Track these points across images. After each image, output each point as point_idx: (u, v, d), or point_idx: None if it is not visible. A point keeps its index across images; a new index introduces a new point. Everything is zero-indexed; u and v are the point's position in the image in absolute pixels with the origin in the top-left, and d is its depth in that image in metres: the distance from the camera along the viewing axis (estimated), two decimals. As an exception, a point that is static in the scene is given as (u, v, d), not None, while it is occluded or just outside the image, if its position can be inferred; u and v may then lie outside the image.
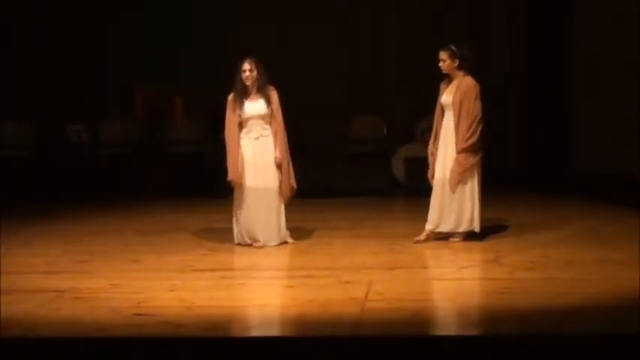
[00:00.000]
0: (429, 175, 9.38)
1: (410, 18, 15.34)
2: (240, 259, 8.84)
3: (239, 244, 9.33)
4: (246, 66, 9.29)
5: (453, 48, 9.21)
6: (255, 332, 6.26)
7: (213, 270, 8.28)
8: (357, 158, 14.29)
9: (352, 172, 14.00)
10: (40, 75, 14.94)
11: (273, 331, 6.51)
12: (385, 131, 14.54)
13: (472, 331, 6.39)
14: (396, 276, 7.92)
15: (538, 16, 14.62)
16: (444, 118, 9.31)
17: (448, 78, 9.32)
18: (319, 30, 15.03)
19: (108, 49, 15.16)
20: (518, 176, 14.13)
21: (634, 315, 6.22)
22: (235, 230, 9.38)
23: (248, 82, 9.29)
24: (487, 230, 9.61)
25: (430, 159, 9.38)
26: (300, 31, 14.69)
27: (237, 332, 6.23)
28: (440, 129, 9.34)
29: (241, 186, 9.23)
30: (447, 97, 9.26)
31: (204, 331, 6.23)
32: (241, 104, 9.26)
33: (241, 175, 9.21)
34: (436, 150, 9.33)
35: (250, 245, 9.26)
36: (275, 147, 9.29)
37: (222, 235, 10.02)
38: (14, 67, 14.90)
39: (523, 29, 14.97)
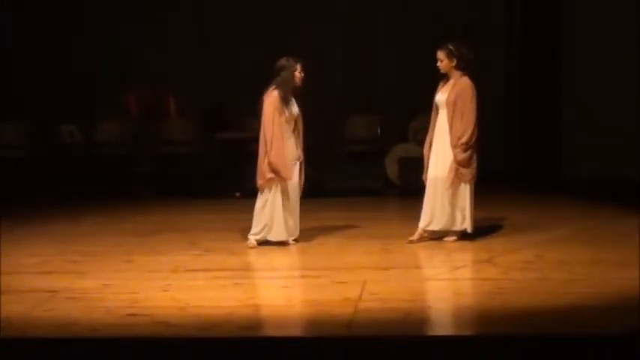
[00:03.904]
0: (425, 177, 9.37)
1: (405, 17, 15.32)
2: (234, 259, 8.82)
3: (260, 243, 9.34)
4: (301, 68, 9.29)
5: (451, 47, 9.19)
6: (249, 332, 6.21)
7: (207, 270, 8.27)
8: (351, 158, 14.28)
9: (346, 171, 13.98)
10: (33, 75, 14.92)
11: (267, 332, 6.50)
12: (379, 131, 14.53)
13: (466, 332, 6.40)
14: (390, 276, 7.93)
15: (536, 17, 14.60)
16: (438, 117, 9.30)
17: (446, 77, 9.31)
18: (313, 29, 15.02)
19: (102, 49, 15.11)
20: (514, 176, 14.12)
21: (628, 316, 6.22)
22: (269, 229, 9.32)
23: (300, 83, 9.32)
24: (481, 230, 9.60)
25: (425, 162, 9.37)
26: (295, 31, 14.68)
27: (231, 332, 6.18)
28: (434, 130, 9.34)
29: (287, 183, 9.26)
30: (441, 95, 9.25)
31: (198, 331, 6.24)
32: (288, 104, 9.27)
33: (291, 173, 9.26)
34: (430, 152, 9.33)
35: (282, 243, 9.30)
36: (297, 146, 9.38)
37: (216, 235, 10.07)
38: (6, 66, 14.84)
39: (521, 29, 14.94)
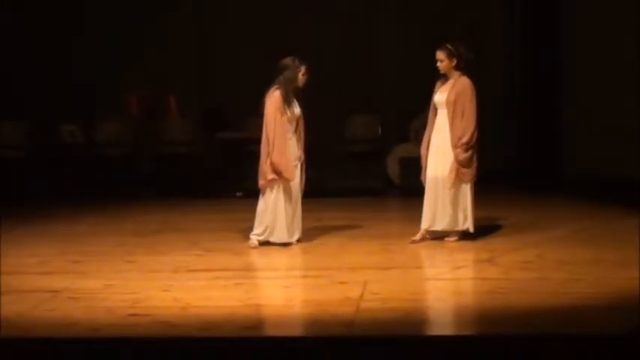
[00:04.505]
0: (423, 178, 9.35)
1: (405, 17, 15.31)
2: (236, 259, 8.80)
3: (263, 243, 9.31)
4: (305, 70, 9.26)
5: (450, 47, 9.17)
6: (250, 332, 6.18)
7: (208, 270, 8.25)
8: (351, 158, 14.26)
9: (347, 171, 13.97)
10: (33, 75, 14.93)
11: (268, 332, 6.49)
12: (380, 131, 14.51)
13: (467, 332, 6.38)
14: (391, 276, 7.91)
15: (536, 17, 14.57)
16: (437, 117, 9.28)
17: (444, 77, 9.29)
18: (313, 29, 15.01)
19: (102, 49, 15.10)
20: (514, 176, 14.09)
21: (629, 316, 6.21)
22: (271, 231, 9.29)
23: (302, 85, 9.29)
24: (482, 230, 9.59)
25: (423, 162, 9.34)
26: (295, 31, 14.66)
27: (232, 332, 6.16)
28: (432, 129, 9.32)
29: (289, 184, 9.22)
30: (440, 95, 9.23)
31: (200, 331, 6.21)
32: (290, 104, 9.22)
33: (293, 174, 9.22)
34: (428, 152, 9.31)
35: (285, 245, 9.26)
36: (298, 146, 9.35)
37: (217, 235, 10.07)
38: (6, 66, 14.84)
39: (521, 29, 14.92)
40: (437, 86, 9.33)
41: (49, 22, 15.10)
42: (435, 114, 9.31)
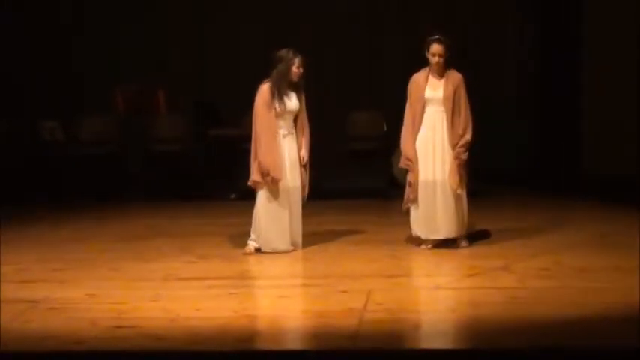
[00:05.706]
0: (411, 181, 8.98)
1: (405, 17, 15.30)
2: (230, 266, 8.63)
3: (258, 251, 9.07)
4: (299, 63, 8.97)
5: (447, 41, 8.89)
6: (245, 345, 6.05)
7: (200, 278, 8.07)
8: (355, 156, 14.10)
9: (350, 171, 13.89)
10: (32, 75, 14.97)
11: (265, 345, 6.33)
12: (385, 128, 14.28)
13: (479, 345, 6.14)
14: (397, 285, 7.73)
15: (551, 15, 14.61)
16: (427, 115, 8.96)
17: (427, 71, 8.98)
18: (313, 29, 15.04)
19: (87, 42, 15.16)
20: (528, 178, 14.05)
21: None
22: (265, 236, 8.99)
23: (296, 79, 9.00)
24: (496, 235, 9.52)
25: (409, 164, 9.01)
26: (295, 31, 14.57)
27: (225, 345, 6.02)
28: (419, 128, 8.97)
29: (278, 185, 8.90)
30: (434, 91, 8.92)
31: (190, 344, 6.08)
32: (280, 98, 8.92)
33: (282, 173, 8.90)
34: (415, 153, 8.97)
35: (284, 252, 9.00)
36: (300, 145, 9.06)
37: (210, 240, 9.89)
38: (7, 66, 14.84)
39: (536, 28, 14.95)
40: (418, 82, 8.99)
41: (49, 22, 15.19)
42: (422, 111, 8.97)
